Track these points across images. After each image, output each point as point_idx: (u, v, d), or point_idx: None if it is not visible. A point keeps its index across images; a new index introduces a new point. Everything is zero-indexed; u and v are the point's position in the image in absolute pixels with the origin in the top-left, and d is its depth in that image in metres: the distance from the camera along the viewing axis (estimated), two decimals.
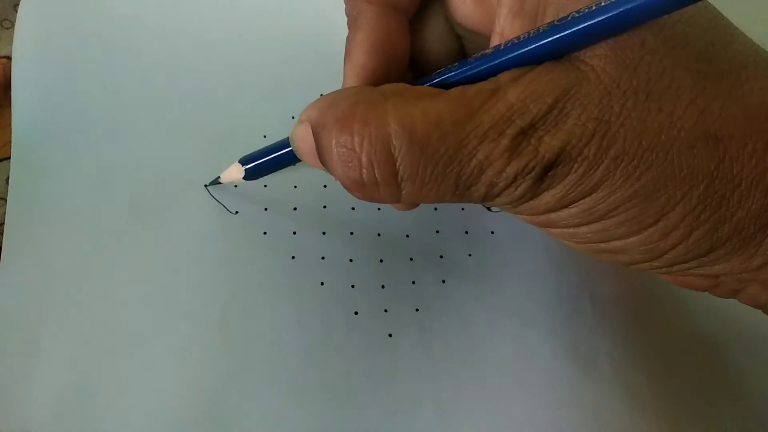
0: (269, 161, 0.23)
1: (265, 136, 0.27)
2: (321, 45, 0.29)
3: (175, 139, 0.27)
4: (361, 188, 0.17)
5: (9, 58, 0.27)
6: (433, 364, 0.24)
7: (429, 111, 0.16)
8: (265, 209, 0.26)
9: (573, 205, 0.17)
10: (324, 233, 0.26)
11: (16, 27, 0.28)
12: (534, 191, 0.16)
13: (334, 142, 0.17)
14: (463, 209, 0.27)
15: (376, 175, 0.17)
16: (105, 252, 0.24)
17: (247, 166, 0.24)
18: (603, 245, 0.18)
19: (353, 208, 0.27)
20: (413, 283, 0.26)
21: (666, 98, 0.15)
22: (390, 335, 0.24)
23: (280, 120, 0.27)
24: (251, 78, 0.28)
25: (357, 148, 0.16)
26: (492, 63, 0.17)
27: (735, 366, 0.26)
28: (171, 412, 0.22)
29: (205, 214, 0.25)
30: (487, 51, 0.17)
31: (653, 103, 0.15)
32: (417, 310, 0.25)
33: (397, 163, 0.16)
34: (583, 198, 0.16)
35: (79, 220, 0.24)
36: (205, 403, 0.22)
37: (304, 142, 0.19)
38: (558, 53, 0.16)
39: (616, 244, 0.17)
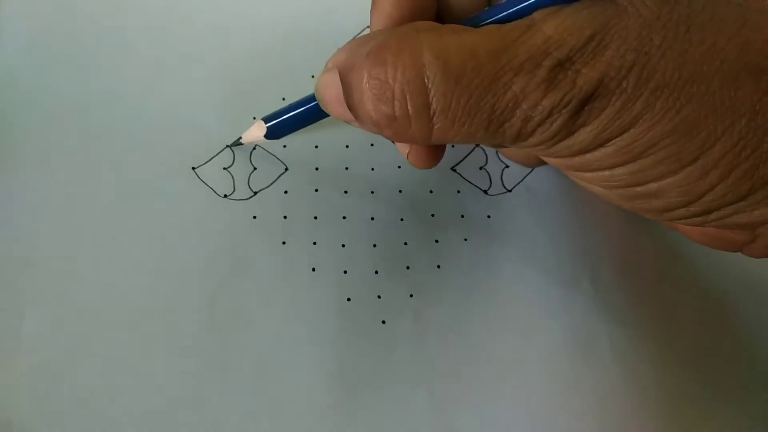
0: (292, 118, 0.22)
1: (254, 118, 0.27)
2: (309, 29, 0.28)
3: (162, 122, 0.26)
4: (391, 123, 0.17)
5: None
6: (428, 351, 0.24)
7: (464, 42, 0.16)
8: (255, 193, 0.25)
9: (609, 143, 0.16)
10: (315, 218, 0.25)
11: None
12: (570, 127, 0.16)
13: (366, 76, 0.17)
14: (459, 192, 0.27)
15: (409, 108, 0.16)
16: (90, 237, 0.23)
17: (270, 124, 0.23)
18: (638, 189, 0.17)
19: (346, 192, 0.26)
20: (407, 268, 0.25)
21: (708, 30, 0.15)
22: (384, 322, 0.24)
23: (270, 105, 0.27)
24: (238, 63, 0.28)
25: (390, 80, 0.16)
26: (527, 2, 0.16)
27: (741, 349, 0.25)
28: (157, 399, 0.21)
29: (193, 197, 0.25)
30: None
31: (695, 35, 0.15)
32: (411, 295, 0.24)
33: (431, 95, 0.16)
34: (621, 134, 0.16)
35: (63, 204, 0.24)
36: (192, 391, 0.22)
37: (330, 89, 0.18)
38: None
39: (653, 186, 0.17)
